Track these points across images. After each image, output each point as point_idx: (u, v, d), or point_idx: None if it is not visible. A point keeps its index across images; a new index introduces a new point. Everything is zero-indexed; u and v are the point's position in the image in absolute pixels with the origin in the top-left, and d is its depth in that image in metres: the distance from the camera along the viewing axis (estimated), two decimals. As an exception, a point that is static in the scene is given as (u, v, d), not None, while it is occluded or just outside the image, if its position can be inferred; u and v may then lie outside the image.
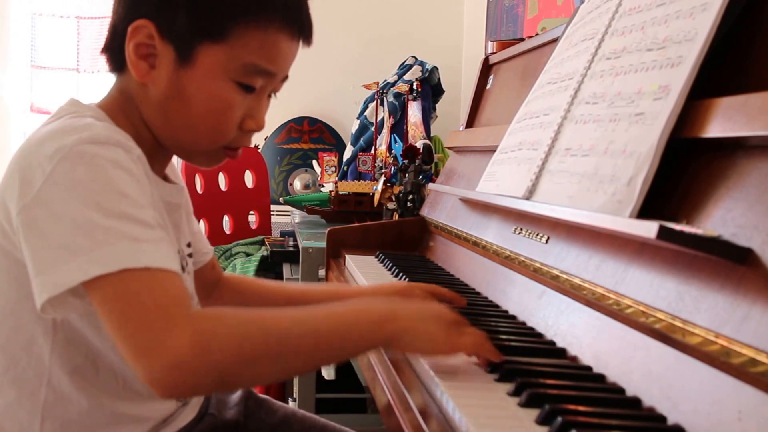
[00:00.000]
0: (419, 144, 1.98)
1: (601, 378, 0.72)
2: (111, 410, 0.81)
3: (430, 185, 1.69)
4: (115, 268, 0.67)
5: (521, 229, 1.08)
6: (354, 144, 3.12)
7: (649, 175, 0.75)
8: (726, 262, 0.62)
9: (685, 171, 0.76)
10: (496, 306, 1.04)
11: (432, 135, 2.88)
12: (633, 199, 0.76)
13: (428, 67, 3.01)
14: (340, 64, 3.64)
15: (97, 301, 0.68)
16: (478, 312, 0.99)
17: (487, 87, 1.70)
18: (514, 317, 0.97)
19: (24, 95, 3.54)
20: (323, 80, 3.64)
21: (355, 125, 3.17)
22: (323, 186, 2.83)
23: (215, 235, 2.76)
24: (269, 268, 2.49)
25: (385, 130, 2.72)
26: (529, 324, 0.93)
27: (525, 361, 0.76)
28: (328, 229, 1.60)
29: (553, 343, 0.84)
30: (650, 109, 0.79)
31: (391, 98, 2.82)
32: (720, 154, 0.72)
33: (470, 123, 1.72)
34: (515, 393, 0.67)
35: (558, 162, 0.97)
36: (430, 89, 2.97)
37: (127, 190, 0.71)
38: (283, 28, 0.81)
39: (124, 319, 0.66)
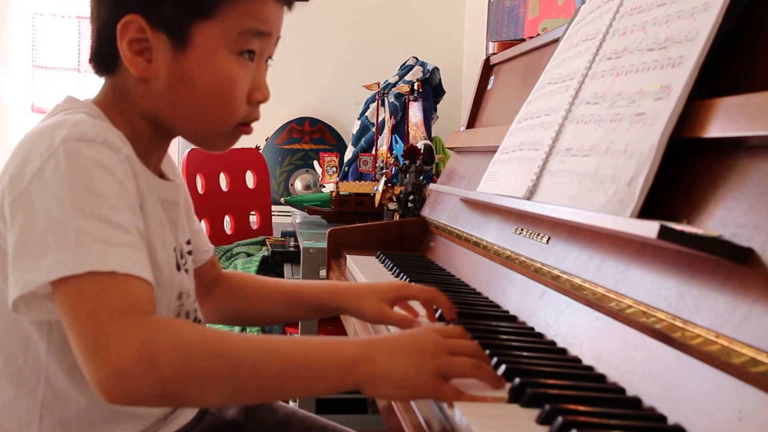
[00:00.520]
0: (420, 144, 1.98)
1: (601, 378, 0.72)
2: (109, 408, 0.81)
3: (431, 186, 1.69)
4: (81, 270, 0.66)
5: (522, 230, 1.08)
6: (355, 144, 3.12)
7: (650, 175, 0.75)
8: (727, 262, 0.62)
9: (686, 171, 0.76)
10: (497, 306, 1.04)
11: (433, 135, 2.88)
12: (634, 199, 0.76)
13: (429, 67, 3.01)
14: (341, 64, 3.65)
15: (59, 299, 0.68)
16: (479, 312, 0.99)
17: (488, 87, 1.70)
18: (514, 317, 0.97)
19: (25, 95, 3.54)
20: (324, 81, 3.65)
21: (356, 126, 3.17)
22: (324, 186, 2.83)
23: (216, 236, 2.76)
24: (270, 268, 2.49)
25: (386, 131, 2.72)
26: (530, 324, 0.93)
27: (525, 361, 0.76)
28: (329, 230, 1.60)
29: (553, 343, 0.84)
30: (651, 109, 0.79)
31: (392, 99, 2.82)
32: (721, 154, 0.72)
33: (471, 123, 1.72)
34: (516, 393, 0.66)
35: (559, 162, 0.97)
36: (431, 90, 2.97)
37: (105, 191, 0.70)
38: None
39: (78, 320, 0.66)
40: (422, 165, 1.87)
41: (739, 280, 0.61)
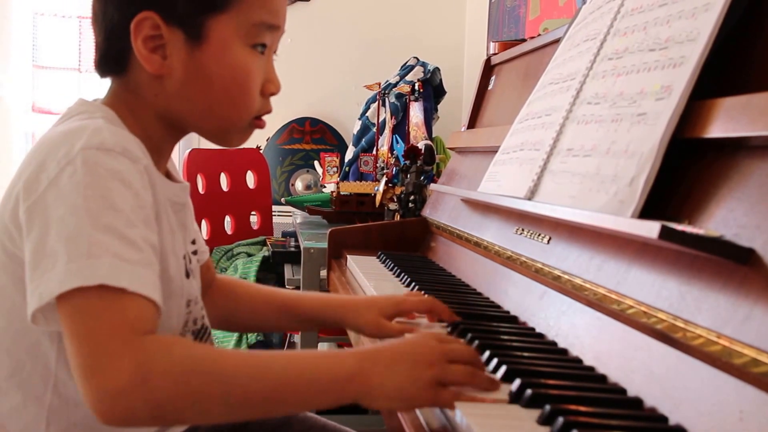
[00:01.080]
0: (421, 145, 1.98)
1: (602, 378, 0.72)
2: None
3: (432, 186, 1.69)
4: (92, 282, 0.66)
5: (523, 230, 1.08)
6: (356, 145, 3.12)
7: (651, 175, 0.75)
8: (728, 262, 0.62)
9: (687, 171, 0.76)
10: (498, 306, 1.04)
11: (434, 136, 2.88)
12: (635, 200, 0.76)
13: (430, 67, 3.01)
14: (341, 64, 3.65)
15: (62, 311, 0.67)
16: (480, 313, 0.99)
17: (489, 88, 1.70)
18: (515, 318, 0.97)
19: (26, 95, 3.54)
20: (325, 81, 3.65)
21: (357, 126, 3.17)
22: (325, 186, 2.83)
23: (217, 236, 2.76)
24: (271, 268, 2.49)
25: (387, 131, 2.72)
26: (531, 324, 0.93)
27: (526, 362, 0.76)
28: (330, 230, 1.60)
29: (554, 343, 0.84)
30: (652, 109, 0.79)
31: (392, 99, 2.82)
32: (722, 155, 0.72)
33: (472, 124, 1.72)
34: (517, 393, 0.66)
35: (560, 162, 0.97)
36: (431, 90, 2.97)
37: (121, 204, 0.70)
38: None
39: (77, 336, 0.66)
40: (423, 165, 1.87)
41: (740, 281, 0.61)
